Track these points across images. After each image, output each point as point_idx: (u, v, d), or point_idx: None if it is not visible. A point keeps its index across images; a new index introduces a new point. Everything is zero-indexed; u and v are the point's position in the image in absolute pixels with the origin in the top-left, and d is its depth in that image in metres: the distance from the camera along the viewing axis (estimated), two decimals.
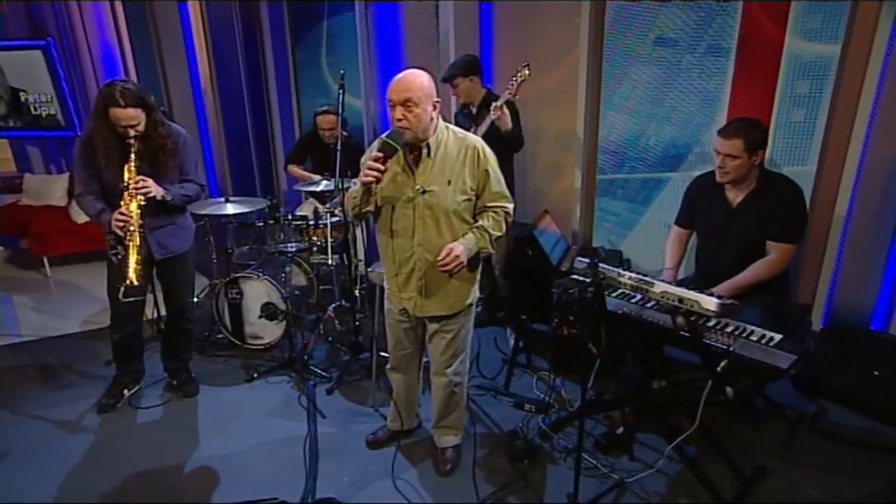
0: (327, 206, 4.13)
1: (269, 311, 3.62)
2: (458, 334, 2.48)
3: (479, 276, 2.49)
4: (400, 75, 2.17)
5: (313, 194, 4.45)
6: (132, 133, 2.66)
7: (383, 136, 2.21)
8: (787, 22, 2.86)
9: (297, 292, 3.91)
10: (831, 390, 3.03)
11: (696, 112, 3.28)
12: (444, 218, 2.25)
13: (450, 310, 2.39)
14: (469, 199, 2.28)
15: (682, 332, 2.27)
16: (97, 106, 2.66)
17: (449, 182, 2.22)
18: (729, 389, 2.17)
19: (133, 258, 2.71)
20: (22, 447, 2.90)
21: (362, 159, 2.39)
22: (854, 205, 2.96)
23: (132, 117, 2.65)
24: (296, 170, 4.38)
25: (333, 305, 3.81)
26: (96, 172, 2.79)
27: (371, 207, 2.28)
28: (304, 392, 3.30)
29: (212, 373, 3.54)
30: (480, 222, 2.32)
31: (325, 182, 3.66)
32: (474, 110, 3.51)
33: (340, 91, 3.45)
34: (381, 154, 2.13)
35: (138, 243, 2.72)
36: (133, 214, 2.69)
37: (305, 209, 4.40)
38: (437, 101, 2.20)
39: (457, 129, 2.34)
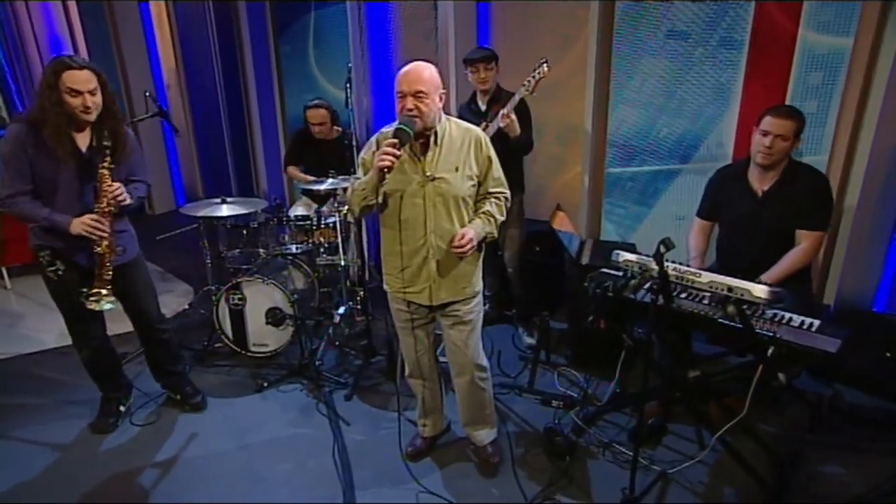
0: (327, 205, 4.05)
1: (275, 317, 3.49)
2: (477, 325, 2.52)
3: (482, 263, 2.52)
4: (409, 67, 2.22)
5: (307, 192, 4.35)
6: (90, 103, 2.40)
7: (393, 125, 2.25)
8: (800, 15, 2.97)
9: (296, 296, 3.80)
10: (845, 373, 3.17)
11: (708, 104, 3.37)
12: (454, 204, 2.31)
13: (462, 295, 2.43)
14: (474, 186, 2.37)
15: (726, 322, 2.33)
16: (46, 79, 2.36)
17: (456, 169, 2.30)
18: (781, 375, 2.23)
19: (106, 267, 2.54)
20: (21, 473, 2.71)
21: (361, 155, 2.42)
22: (861, 191, 3.10)
23: (88, 80, 2.39)
24: (294, 172, 4.26)
25: (343, 308, 3.71)
26: (29, 168, 2.45)
27: (379, 199, 2.28)
28: (321, 399, 3.21)
29: (216, 384, 3.40)
30: (486, 208, 2.39)
31: (331, 180, 3.55)
32: (483, 107, 3.48)
33: (347, 85, 3.37)
34: (395, 140, 2.15)
35: (111, 252, 2.55)
36: (107, 223, 2.51)
37: (299, 209, 4.29)
38: (443, 92, 2.29)
39: (457, 119, 2.41)
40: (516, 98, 3.11)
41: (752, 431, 2.66)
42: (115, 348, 3.06)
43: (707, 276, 2.32)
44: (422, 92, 2.17)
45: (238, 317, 3.56)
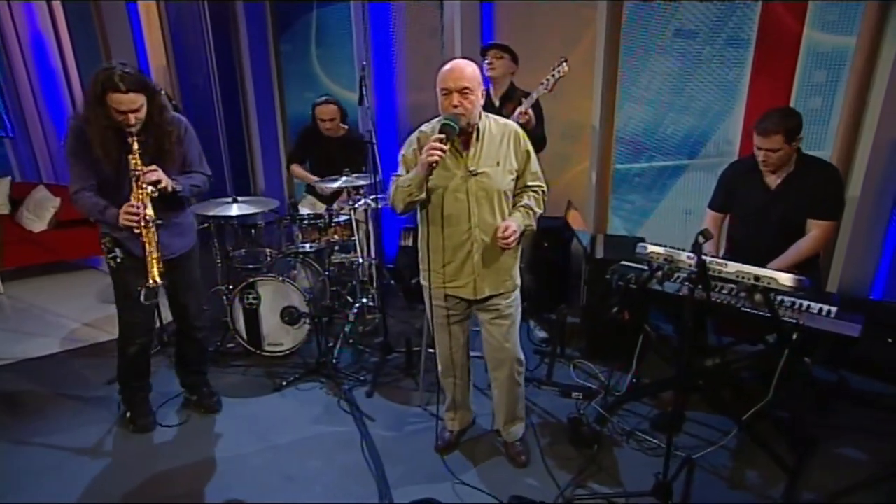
0: (337, 202, 4.07)
1: (291, 316, 3.50)
2: (516, 319, 2.57)
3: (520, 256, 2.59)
4: (452, 64, 2.28)
5: (312, 191, 4.36)
6: (132, 120, 2.45)
7: (433, 122, 2.36)
8: (805, 15, 3.10)
9: (310, 295, 3.81)
10: (850, 359, 3.31)
11: (716, 101, 3.49)
12: (497, 198, 2.37)
13: (503, 288, 2.49)
14: (514, 179, 2.43)
15: (749, 310, 2.44)
16: (93, 91, 2.42)
17: (498, 163, 2.36)
18: (807, 360, 2.34)
19: (153, 255, 2.53)
20: (39, 480, 2.68)
21: (401, 152, 2.47)
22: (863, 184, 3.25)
23: (133, 101, 2.43)
24: (298, 170, 4.25)
25: (357, 305, 3.74)
26: (91, 165, 2.55)
27: (423, 195, 2.33)
28: (342, 397, 3.23)
29: (233, 385, 3.39)
30: (525, 201, 2.46)
31: (345, 177, 3.57)
32: (496, 102, 3.54)
33: (362, 82, 3.39)
34: (443, 135, 2.21)
35: (155, 238, 2.54)
36: (146, 206, 2.50)
37: (305, 209, 4.29)
38: (484, 90, 2.36)
39: (493, 115, 2.47)
40: (534, 96, 3.17)
41: (770, 416, 2.77)
42: None
43: (733, 266, 2.42)
44: (467, 88, 2.23)
45: (252, 316, 3.56)
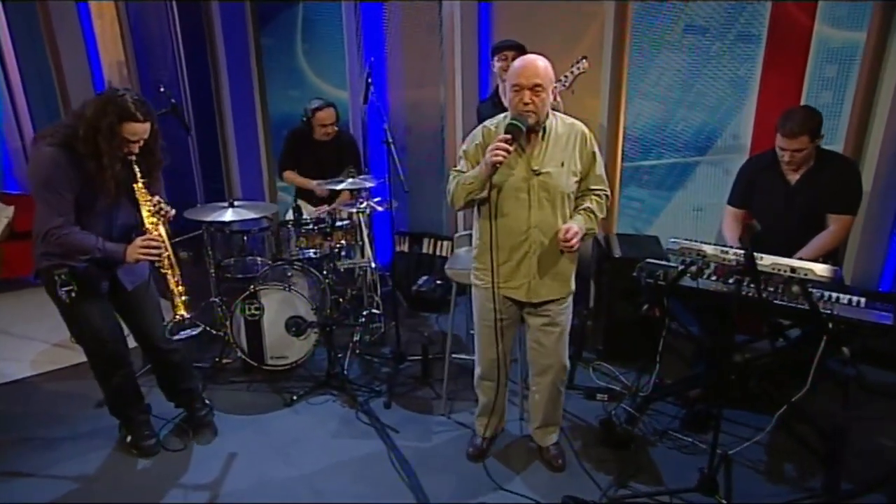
0: (336, 203, 4.11)
1: (298, 326, 3.53)
2: (567, 326, 2.66)
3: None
4: (525, 60, 2.34)
5: (305, 196, 4.38)
6: (136, 149, 2.50)
7: (498, 118, 2.45)
8: (815, 10, 3.36)
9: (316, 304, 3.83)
10: (864, 351, 3.57)
11: (727, 97, 3.72)
12: (560, 200, 2.44)
13: (560, 293, 2.57)
14: (577, 182, 2.50)
15: (783, 303, 2.63)
16: (105, 119, 2.40)
17: (562, 164, 2.43)
18: (845, 349, 2.54)
19: (179, 287, 2.58)
20: None
21: (462, 148, 2.54)
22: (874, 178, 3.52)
23: (147, 130, 2.49)
24: (293, 176, 4.26)
25: (365, 313, 3.79)
26: (72, 196, 2.48)
27: (485, 193, 2.40)
28: (358, 409, 3.28)
29: (239, 402, 3.39)
30: (587, 204, 2.52)
31: (350, 179, 3.63)
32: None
33: (368, 80, 3.48)
34: (508, 135, 2.29)
35: (180, 270, 2.59)
36: (164, 239, 2.56)
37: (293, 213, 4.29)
38: (555, 87, 2.42)
39: (562, 114, 2.54)
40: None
41: (802, 409, 2.97)
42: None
43: (769, 259, 2.60)
44: (539, 86, 2.29)
45: (254, 328, 3.57)
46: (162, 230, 2.57)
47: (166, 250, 2.55)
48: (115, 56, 6.60)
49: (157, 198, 2.59)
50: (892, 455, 2.89)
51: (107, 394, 2.91)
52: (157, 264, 2.55)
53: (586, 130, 2.50)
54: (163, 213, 2.59)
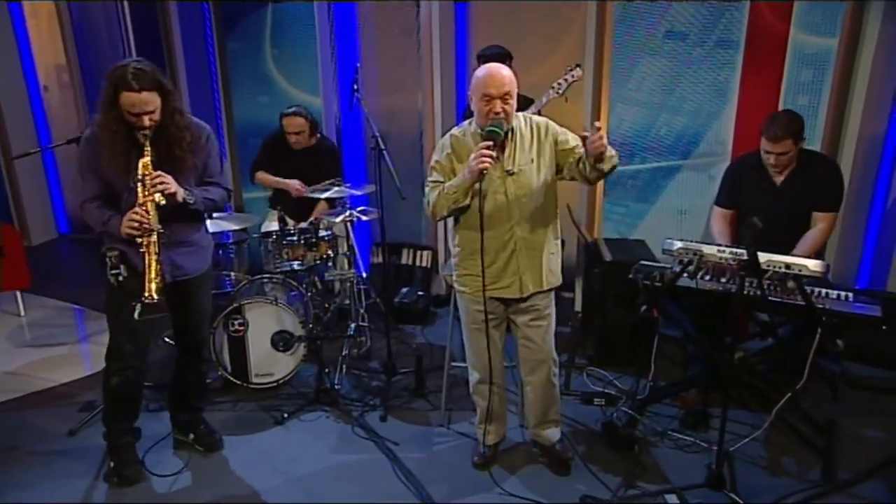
0: (316, 213, 4.20)
1: (286, 341, 3.59)
2: (552, 319, 2.86)
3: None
4: (491, 71, 2.54)
5: (281, 205, 4.44)
6: (147, 122, 2.53)
7: (463, 126, 2.68)
8: (790, 16, 3.68)
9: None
10: (849, 348, 3.87)
11: (707, 101, 4.01)
12: (537, 194, 2.65)
13: (548, 283, 2.77)
14: (551, 170, 2.69)
15: (778, 300, 2.88)
16: (106, 91, 2.50)
17: (532, 160, 2.65)
18: (839, 342, 2.80)
19: (153, 267, 2.57)
20: None
21: (435, 158, 2.72)
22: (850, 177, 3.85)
23: (147, 102, 2.51)
24: (266, 177, 4.31)
25: (353, 326, 3.89)
26: (100, 175, 2.66)
27: (468, 201, 2.57)
28: (354, 423, 3.37)
29: (227, 422, 3.40)
30: None
31: (335, 188, 3.74)
32: None
33: (355, 88, 3.59)
34: (490, 142, 2.47)
35: (158, 250, 2.58)
36: (150, 213, 2.56)
37: (273, 225, 4.32)
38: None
39: (519, 113, 2.72)
40: (543, 100, 3.51)
41: (797, 404, 3.23)
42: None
43: (764, 256, 2.84)
44: (508, 93, 2.51)
45: (238, 345, 3.61)
46: (150, 206, 2.55)
47: (150, 225, 2.55)
48: (54, 59, 6.53)
49: (157, 173, 2.56)
50: (881, 445, 3.16)
51: (105, 393, 2.92)
52: (137, 240, 2.57)
53: (540, 121, 2.71)
54: (159, 187, 2.55)
